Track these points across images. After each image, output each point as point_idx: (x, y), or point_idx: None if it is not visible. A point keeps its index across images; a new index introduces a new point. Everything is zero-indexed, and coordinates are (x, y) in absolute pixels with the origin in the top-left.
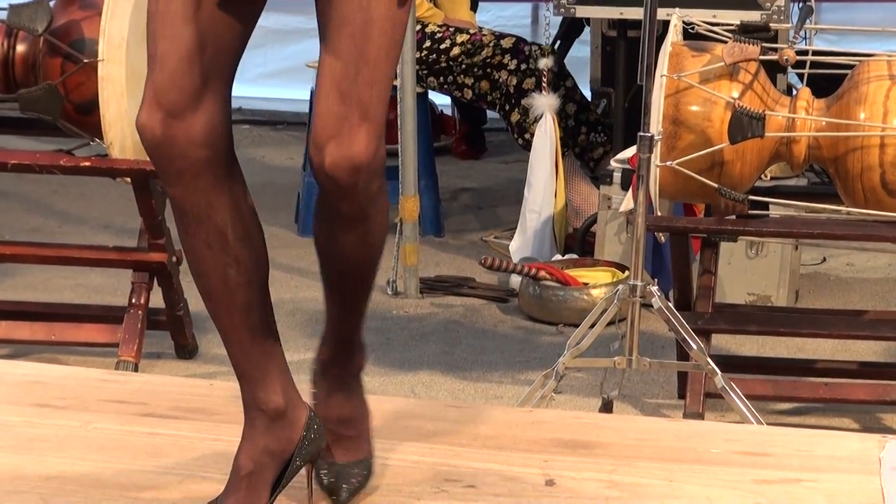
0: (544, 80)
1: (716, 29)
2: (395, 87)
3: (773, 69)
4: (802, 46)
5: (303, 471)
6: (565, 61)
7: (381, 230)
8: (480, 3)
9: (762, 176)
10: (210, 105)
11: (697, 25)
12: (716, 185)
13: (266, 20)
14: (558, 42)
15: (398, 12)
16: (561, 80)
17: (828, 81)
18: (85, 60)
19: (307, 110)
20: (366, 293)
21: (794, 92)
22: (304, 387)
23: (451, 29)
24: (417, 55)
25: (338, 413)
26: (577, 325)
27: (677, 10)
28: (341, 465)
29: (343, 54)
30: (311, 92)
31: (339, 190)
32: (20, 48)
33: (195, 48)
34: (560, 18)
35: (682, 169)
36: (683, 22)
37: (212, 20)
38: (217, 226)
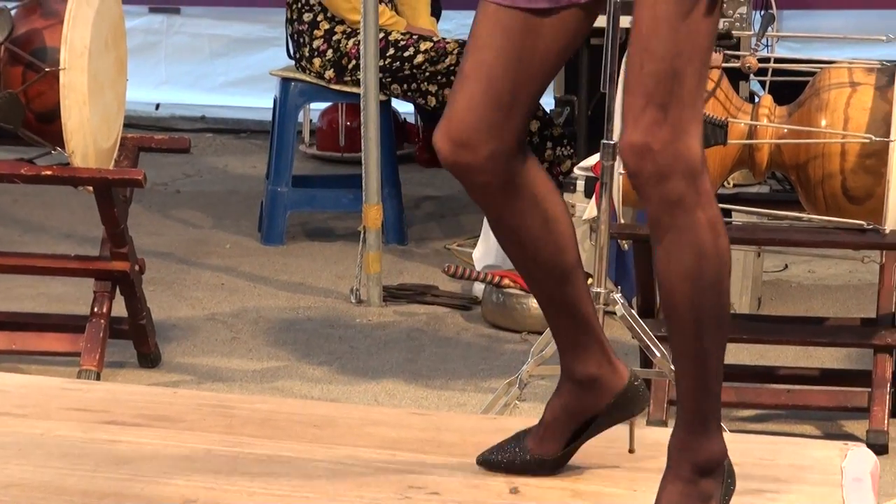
0: None
1: None
2: (359, 95)
3: (736, 76)
4: (764, 54)
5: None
6: None
7: (690, 253)
8: (444, 11)
9: (725, 183)
10: (501, 133)
11: None
12: None
13: (229, 29)
14: None
15: (694, 16)
16: None
17: (790, 89)
18: (46, 69)
19: (270, 118)
20: (700, 342)
21: (757, 99)
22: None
23: (415, 37)
24: (381, 63)
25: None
26: (540, 333)
27: None
28: None
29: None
30: (274, 100)
31: (633, 178)
32: None
33: (497, 83)
34: None
35: None
36: None
37: (524, 50)
38: (512, 228)
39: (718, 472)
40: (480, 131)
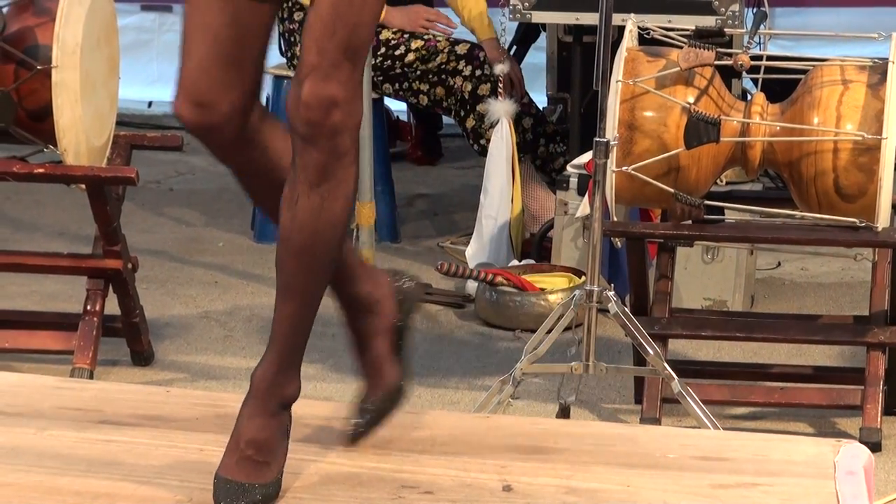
0: (500, 85)
1: (671, 34)
2: None
3: (728, 74)
4: (757, 52)
5: None
6: (521, 67)
7: (343, 204)
8: (437, 9)
9: (718, 181)
10: (235, 90)
11: (653, 31)
12: (672, 191)
13: None
14: (514, 48)
15: None
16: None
17: (782, 86)
18: (38, 67)
19: None
20: (321, 283)
21: (749, 97)
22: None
23: (406, 35)
24: (372, 61)
25: (254, 435)
26: (533, 331)
27: (633, 15)
28: (240, 484)
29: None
30: (266, 98)
31: (311, 130)
32: None
33: (223, 40)
34: (516, 24)
35: (638, 174)
36: (639, 27)
37: (240, 10)
38: (251, 174)
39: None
40: (217, 90)
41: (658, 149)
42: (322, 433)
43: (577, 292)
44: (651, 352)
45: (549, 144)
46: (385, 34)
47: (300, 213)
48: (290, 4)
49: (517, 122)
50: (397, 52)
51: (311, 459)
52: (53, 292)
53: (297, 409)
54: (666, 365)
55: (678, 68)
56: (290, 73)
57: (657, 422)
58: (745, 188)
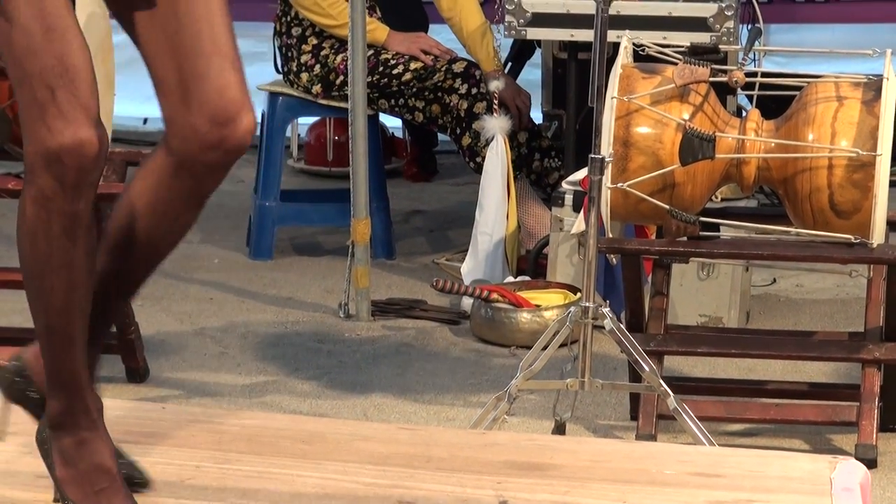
0: (495, 102)
1: (666, 51)
2: (346, 110)
3: (723, 91)
4: (752, 68)
5: None
6: (516, 83)
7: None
8: (432, 25)
9: (713, 197)
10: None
11: (648, 47)
12: (667, 207)
13: None
14: (509, 64)
15: None
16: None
17: (777, 103)
18: None
19: (258, 133)
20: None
21: (744, 114)
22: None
23: (406, 57)
24: (368, 79)
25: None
26: (529, 348)
27: (628, 32)
28: None
29: (222, 34)
30: (262, 115)
31: (228, 163)
32: None
33: (89, 58)
34: (511, 40)
35: (633, 191)
36: (634, 44)
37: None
38: (93, 233)
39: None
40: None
41: (653, 165)
42: (318, 449)
43: (572, 309)
44: (647, 368)
45: (543, 159)
46: (385, 55)
47: (176, 229)
48: (288, 20)
49: (512, 137)
50: (395, 72)
51: (308, 475)
52: None
53: (293, 424)
54: (661, 381)
55: (673, 85)
56: (287, 90)
57: (653, 438)
58: (741, 205)
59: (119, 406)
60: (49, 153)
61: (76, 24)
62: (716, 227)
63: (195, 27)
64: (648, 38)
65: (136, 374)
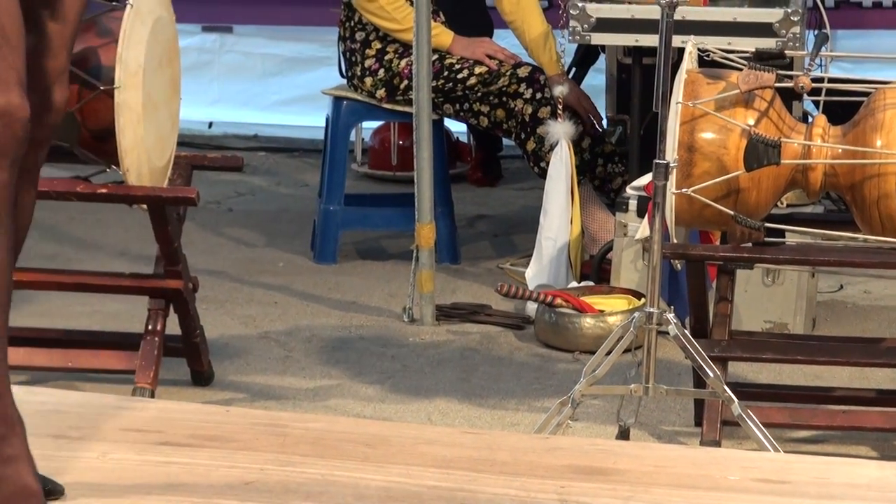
0: (559, 107)
1: (731, 56)
2: (410, 115)
3: (789, 97)
4: (818, 74)
5: None
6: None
7: None
8: (496, 30)
9: (778, 203)
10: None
11: (713, 53)
12: (732, 213)
13: (281, 48)
14: (573, 69)
15: None
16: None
17: (843, 109)
18: (101, 87)
19: (322, 137)
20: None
21: (810, 119)
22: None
23: (471, 61)
24: (433, 84)
25: None
26: (593, 353)
27: (692, 37)
28: None
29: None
30: (327, 119)
31: (53, 130)
32: None
33: (22, 24)
34: (575, 46)
35: (697, 196)
36: (699, 49)
37: None
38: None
39: None
40: None
41: (718, 171)
42: (382, 452)
43: (636, 314)
44: (711, 374)
45: (607, 164)
46: (449, 60)
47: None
48: (352, 24)
49: (575, 142)
50: (459, 76)
51: (371, 478)
52: (115, 312)
53: (356, 428)
54: (726, 387)
55: (738, 90)
56: (351, 94)
57: (717, 444)
58: (807, 211)
59: (184, 409)
60: None
61: None
62: (781, 233)
63: None
64: (713, 43)
65: (201, 377)
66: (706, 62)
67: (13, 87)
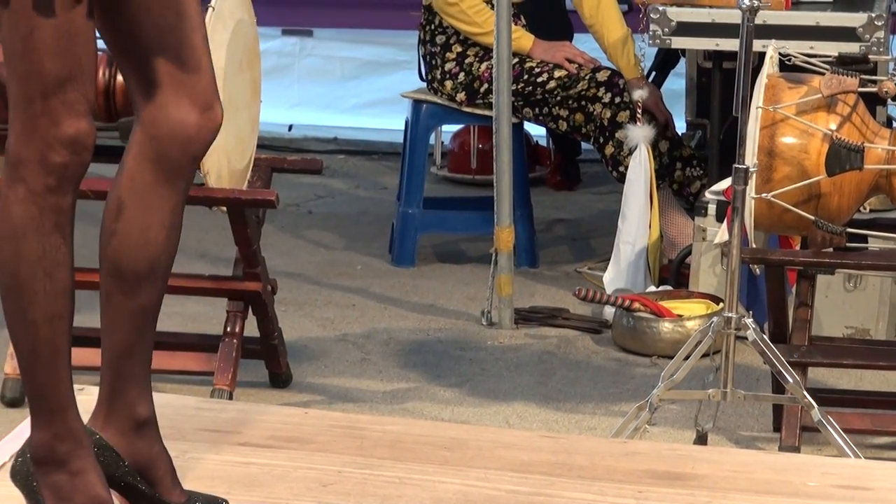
0: (638, 111)
1: (813, 61)
2: (490, 118)
3: (873, 101)
4: None
5: None
6: (661, 93)
7: None
8: (576, 34)
9: (861, 208)
10: None
11: (794, 57)
12: (812, 218)
13: (361, 52)
14: (653, 73)
15: None
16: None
17: None
18: None
19: (401, 140)
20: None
21: (894, 124)
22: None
23: (551, 65)
24: (513, 87)
25: None
26: (670, 357)
27: (774, 41)
28: None
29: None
30: (406, 122)
31: (202, 155)
32: (121, 77)
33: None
34: (655, 49)
35: (777, 201)
36: (780, 53)
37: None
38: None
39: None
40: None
41: (798, 175)
42: (460, 456)
43: (714, 319)
44: (790, 379)
45: (685, 168)
46: (529, 63)
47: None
48: (432, 28)
49: (653, 146)
50: (539, 80)
51: (449, 482)
52: (195, 314)
53: (434, 431)
54: (805, 393)
55: (820, 95)
56: (431, 98)
57: (796, 450)
58: (890, 216)
59: (262, 411)
60: (58, 142)
61: (94, 29)
62: (863, 239)
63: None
64: (795, 47)
65: (279, 379)
66: (787, 66)
67: (84, 115)
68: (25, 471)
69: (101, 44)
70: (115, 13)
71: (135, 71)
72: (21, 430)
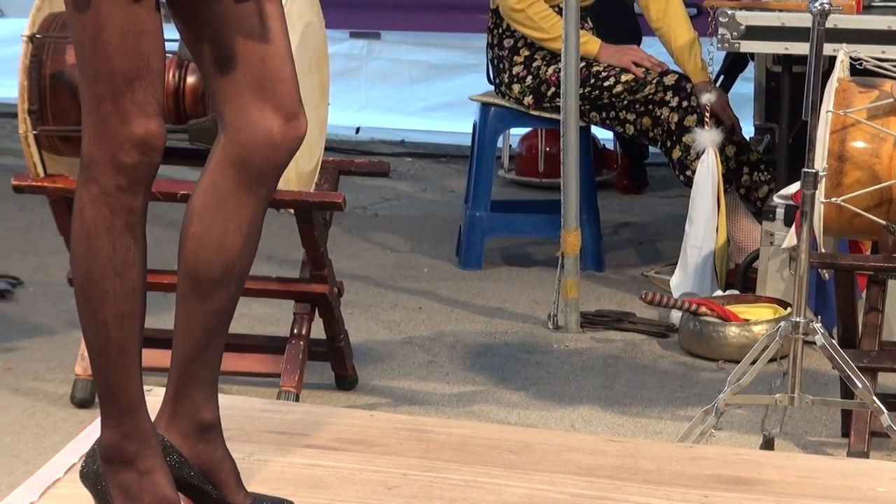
0: (706, 115)
1: (885, 65)
2: (557, 122)
3: None
4: None
5: None
6: (728, 96)
7: None
8: (644, 37)
9: None
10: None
11: (865, 61)
12: (884, 223)
13: (429, 55)
14: (721, 77)
15: None
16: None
17: None
18: None
19: (468, 143)
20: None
21: None
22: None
23: (617, 69)
24: (580, 91)
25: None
26: (737, 362)
27: (844, 45)
28: None
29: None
30: (474, 125)
31: (285, 164)
32: (190, 79)
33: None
34: (723, 53)
35: (848, 205)
36: (851, 58)
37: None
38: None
39: None
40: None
41: (869, 180)
42: (526, 459)
43: (782, 323)
44: (859, 385)
45: (752, 173)
46: (596, 67)
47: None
48: (500, 31)
49: (720, 150)
50: (606, 84)
51: (515, 485)
52: (262, 315)
53: (500, 434)
54: (875, 398)
55: (891, 99)
56: (499, 101)
57: (865, 456)
58: None
59: (328, 413)
60: (128, 143)
61: (161, 29)
62: None
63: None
64: (866, 51)
65: (345, 381)
66: (858, 71)
67: (153, 116)
68: (95, 471)
69: (169, 46)
70: (194, 18)
71: (216, 77)
72: (91, 431)
